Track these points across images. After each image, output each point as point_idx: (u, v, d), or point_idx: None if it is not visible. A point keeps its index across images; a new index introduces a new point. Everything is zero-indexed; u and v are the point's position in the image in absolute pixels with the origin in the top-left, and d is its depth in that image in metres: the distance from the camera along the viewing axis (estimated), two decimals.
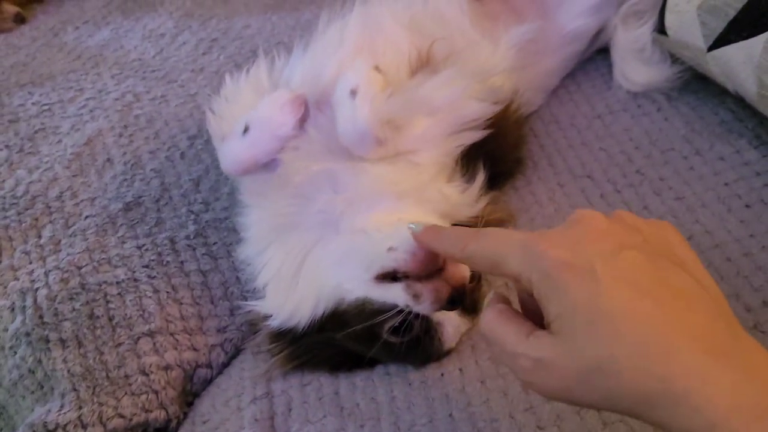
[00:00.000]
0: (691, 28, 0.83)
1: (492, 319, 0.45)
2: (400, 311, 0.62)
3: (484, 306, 0.47)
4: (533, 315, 0.44)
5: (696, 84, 0.92)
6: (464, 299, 0.64)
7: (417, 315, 0.63)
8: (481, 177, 0.77)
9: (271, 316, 0.71)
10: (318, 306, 0.67)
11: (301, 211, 0.72)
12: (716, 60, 0.81)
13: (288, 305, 0.70)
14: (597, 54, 1.05)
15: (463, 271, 0.62)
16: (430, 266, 0.60)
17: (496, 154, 0.81)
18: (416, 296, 0.61)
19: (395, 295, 0.62)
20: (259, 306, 0.73)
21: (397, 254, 0.61)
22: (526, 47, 0.92)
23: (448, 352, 0.68)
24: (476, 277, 0.68)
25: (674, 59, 0.92)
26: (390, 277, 0.63)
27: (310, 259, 0.70)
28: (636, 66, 0.96)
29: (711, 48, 0.81)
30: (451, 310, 0.63)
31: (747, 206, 0.76)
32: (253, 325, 0.75)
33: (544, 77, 1.00)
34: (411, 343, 0.64)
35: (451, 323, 0.65)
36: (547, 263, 0.40)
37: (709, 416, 0.34)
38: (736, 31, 0.77)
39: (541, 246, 0.41)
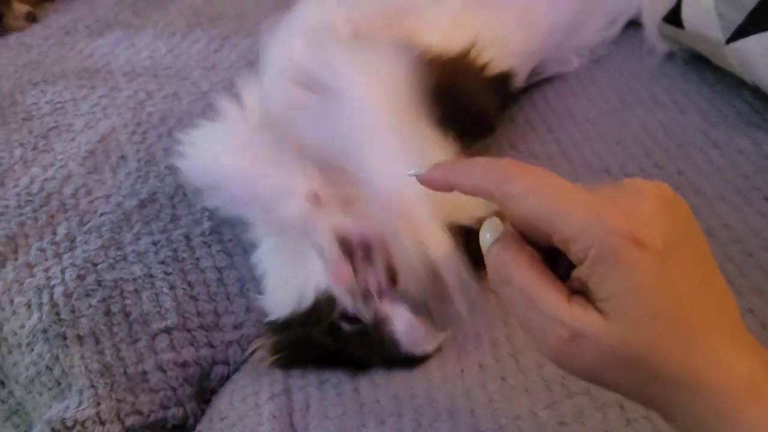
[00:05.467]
0: (709, 20, 0.82)
1: (522, 265, 0.38)
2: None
3: (489, 237, 0.39)
4: None
5: (712, 76, 0.92)
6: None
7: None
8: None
9: (269, 312, 0.73)
10: (301, 300, 0.68)
11: None
12: (735, 52, 0.80)
13: (280, 298, 0.71)
14: (611, 45, 1.04)
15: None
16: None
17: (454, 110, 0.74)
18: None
19: None
20: (261, 301, 0.75)
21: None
22: None
23: (423, 358, 0.67)
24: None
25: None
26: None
27: (303, 254, 0.70)
28: None
29: (729, 40, 0.80)
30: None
31: (766, 198, 0.75)
32: (261, 323, 0.76)
33: (525, 31, 0.95)
34: (362, 336, 0.65)
35: (400, 319, 0.63)
36: (617, 238, 0.34)
37: (723, 404, 0.34)
38: (755, 22, 0.77)
39: (611, 215, 0.35)
